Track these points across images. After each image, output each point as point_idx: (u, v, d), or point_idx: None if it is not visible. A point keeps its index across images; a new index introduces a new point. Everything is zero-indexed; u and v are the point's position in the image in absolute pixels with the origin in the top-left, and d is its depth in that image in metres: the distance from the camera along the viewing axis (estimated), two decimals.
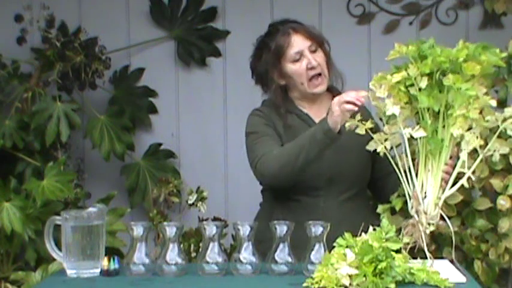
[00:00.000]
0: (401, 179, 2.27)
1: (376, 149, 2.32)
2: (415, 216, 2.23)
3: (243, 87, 3.73)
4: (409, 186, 2.26)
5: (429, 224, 2.22)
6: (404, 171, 2.27)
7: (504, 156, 2.52)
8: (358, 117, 2.33)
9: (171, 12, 3.78)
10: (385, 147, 2.29)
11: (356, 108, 2.33)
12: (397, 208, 2.48)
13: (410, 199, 2.25)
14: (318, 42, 2.65)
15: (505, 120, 2.25)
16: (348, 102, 2.33)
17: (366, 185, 2.72)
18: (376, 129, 2.35)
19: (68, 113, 3.52)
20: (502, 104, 2.75)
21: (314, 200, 2.60)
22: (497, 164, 2.53)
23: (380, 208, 2.55)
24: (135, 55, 3.81)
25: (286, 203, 2.61)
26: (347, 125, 2.35)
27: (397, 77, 2.21)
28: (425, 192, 2.23)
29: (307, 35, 2.64)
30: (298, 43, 2.62)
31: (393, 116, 2.24)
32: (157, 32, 3.80)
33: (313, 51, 2.63)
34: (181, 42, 3.79)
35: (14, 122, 3.50)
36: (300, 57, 2.61)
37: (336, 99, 2.38)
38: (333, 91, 2.68)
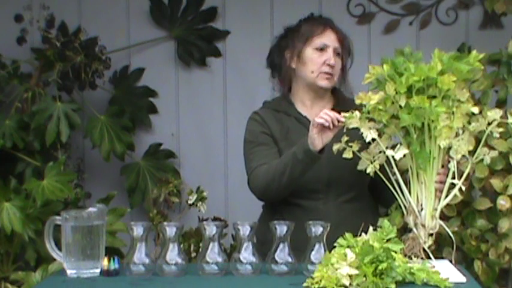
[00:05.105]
0: (395, 195, 2.27)
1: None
2: (414, 229, 2.23)
3: (243, 87, 3.74)
4: (405, 200, 2.26)
5: (430, 235, 2.22)
6: (399, 187, 2.26)
7: (504, 156, 2.53)
8: (345, 139, 2.33)
9: (171, 12, 3.78)
10: (375, 166, 2.29)
11: (326, 123, 2.33)
12: (397, 222, 2.43)
13: (407, 213, 2.25)
14: (345, 52, 2.67)
15: (489, 124, 2.23)
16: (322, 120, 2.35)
17: (365, 188, 2.70)
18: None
19: (68, 113, 3.52)
20: (502, 104, 2.75)
21: (313, 203, 2.60)
22: (497, 164, 2.53)
23: (380, 222, 2.54)
24: (135, 55, 3.81)
25: (286, 206, 2.61)
26: (334, 148, 2.36)
27: (375, 98, 2.21)
28: (421, 205, 2.23)
29: (341, 39, 2.66)
30: (329, 38, 2.64)
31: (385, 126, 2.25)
32: (157, 32, 3.80)
33: (337, 55, 2.64)
34: (181, 42, 3.79)
35: (14, 122, 3.50)
36: (323, 49, 2.62)
37: (314, 119, 2.39)
38: (338, 95, 2.69)
